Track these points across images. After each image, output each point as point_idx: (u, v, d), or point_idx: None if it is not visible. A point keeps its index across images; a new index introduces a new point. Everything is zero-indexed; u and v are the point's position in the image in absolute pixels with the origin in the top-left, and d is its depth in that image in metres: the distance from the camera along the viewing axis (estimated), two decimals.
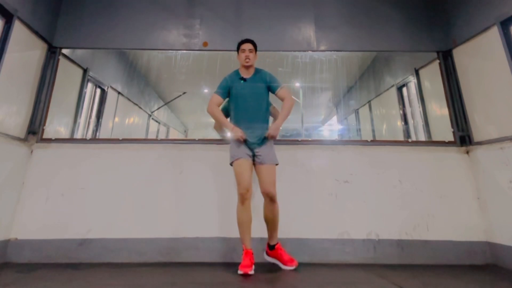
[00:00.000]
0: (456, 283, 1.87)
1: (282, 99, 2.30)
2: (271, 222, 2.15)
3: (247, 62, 2.28)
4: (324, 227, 2.48)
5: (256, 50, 2.36)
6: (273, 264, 2.20)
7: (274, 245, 2.17)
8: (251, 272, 1.95)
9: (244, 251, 2.05)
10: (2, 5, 2.30)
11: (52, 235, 2.40)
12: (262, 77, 2.32)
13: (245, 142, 2.18)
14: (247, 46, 2.31)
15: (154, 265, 2.26)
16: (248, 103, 2.24)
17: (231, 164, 2.20)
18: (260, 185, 2.14)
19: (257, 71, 2.36)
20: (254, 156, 2.19)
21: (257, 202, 2.35)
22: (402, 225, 2.48)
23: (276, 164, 2.21)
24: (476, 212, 2.50)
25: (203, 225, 2.47)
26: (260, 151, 2.18)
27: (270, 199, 2.11)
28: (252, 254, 2.05)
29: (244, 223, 2.08)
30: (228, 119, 2.33)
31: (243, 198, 2.08)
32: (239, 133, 2.14)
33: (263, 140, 2.21)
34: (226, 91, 2.30)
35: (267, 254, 2.22)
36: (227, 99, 2.36)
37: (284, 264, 2.13)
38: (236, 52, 2.41)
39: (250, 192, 2.10)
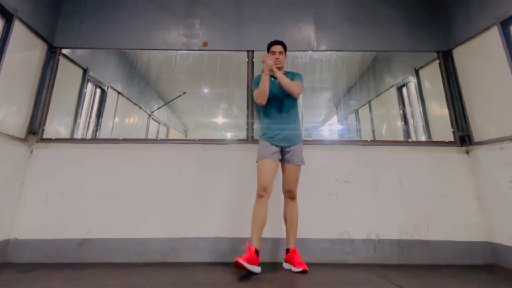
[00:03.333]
0: (456, 283, 1.87)
1: None
2: (289, 222, 2.14)
3: (277, 64, 2.23)
4: (324, 227, 2.48)
5: (286, 51, 2.33)
6: (273, 264, 2.20)
7: (289, 249, 2.12)
8: (242, 261, 1.79)
9: (248, 248, 1.93)
10: (2, 5, 2.30)
11: (52, 235, 2.40)
12: (292, 77, 2.27)
13: (275, 142, 2.16)
14: (277, 48, 2.27)
15: (154, 265, 2.26)
16: (279, 101, 2.23)
17: (257, 161, 2.18)
18: (283, 182, 2.16)
19: (287, 72, 2.32)
20: (282, 153, 2.18)
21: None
22: (402, 225, 2.48)
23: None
24: (476, 212, 2.50)
25: (203, 225, 2.47)
26: (291, 150, 2.17)
27: (290, 197, 2.16)
28: (255, 252, 1.91)
29: (257, 220, 2.02)
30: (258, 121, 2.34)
31: (259, 196, 2.07)
32: (270, 62, 2.14)
33: (294, 140, 2.20)
34: None
35: (285, 260, 2.17)
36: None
37: (294, 265, 2.07)
38: (237, 52, 2.38)
39: (268, 192, 2.07)
